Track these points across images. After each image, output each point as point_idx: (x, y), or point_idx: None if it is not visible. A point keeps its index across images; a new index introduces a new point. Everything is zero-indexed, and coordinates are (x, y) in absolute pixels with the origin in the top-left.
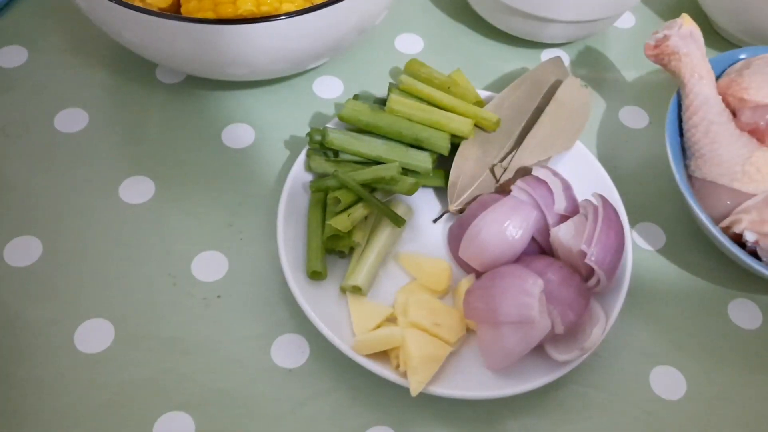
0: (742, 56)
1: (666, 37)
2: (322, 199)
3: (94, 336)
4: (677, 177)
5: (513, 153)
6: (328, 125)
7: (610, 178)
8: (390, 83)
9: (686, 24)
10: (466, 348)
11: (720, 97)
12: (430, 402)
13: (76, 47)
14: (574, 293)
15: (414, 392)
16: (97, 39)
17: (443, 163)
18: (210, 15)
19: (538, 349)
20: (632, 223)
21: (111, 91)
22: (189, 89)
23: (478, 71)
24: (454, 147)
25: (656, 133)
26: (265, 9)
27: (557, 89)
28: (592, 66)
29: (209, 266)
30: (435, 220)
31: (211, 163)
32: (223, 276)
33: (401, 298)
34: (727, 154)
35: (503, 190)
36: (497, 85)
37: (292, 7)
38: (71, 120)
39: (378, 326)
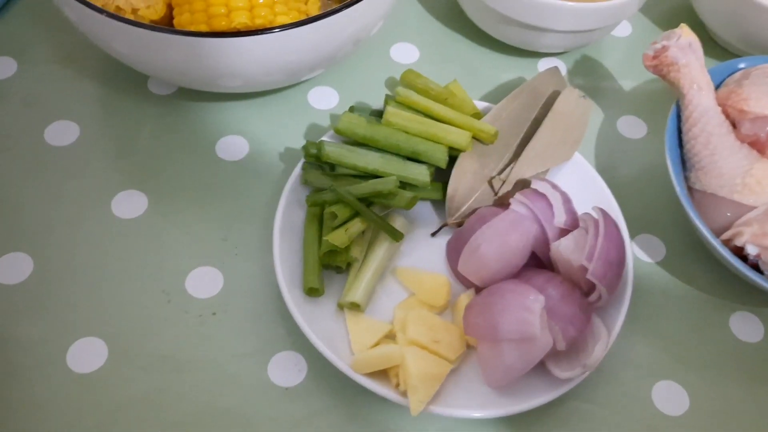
0: (741, 66)
1: (665, 48)
2: (319, 213)
3: (86, 355)
4: (677, 189)
5: (511, 165)
6: (323, 138)
7: (609, 188)
8: (386, 95)
9: (685, 34)
10: (467, 365)
11: (719, 108)
12: (430, 421)
13: (67, 58)
14: (576, 309)
15: (414, 412)
16: (88, 50)
17: (441, 175)
18: (203, 28)
19: (540, 366)
20: (632, 235)
21: (102, 103)
22: (181, 101)
23: (475, 81)
24: (452, 159)
25: (654, 142)
26: (259, 22)
27: (555, 100)
28: (589, 75)
29: (204, 282)
30: (434, 234)
31: (204, 175)
32: (218, 292)
33: (400, 314)
34: (727, 166)
35: (502, 202)
36: (494, 95)
37: (287, 20)
38: (62, 132)
39: (377, 343)
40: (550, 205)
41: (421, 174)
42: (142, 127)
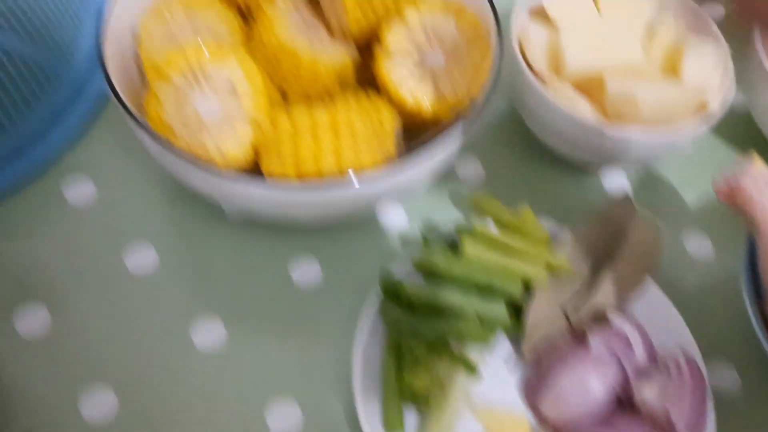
0: None
1: (738, 181)
2: (397, 345)
3: None
4: (754, 322)
5: (586, 296)
6: (396, 265)
7: (677, 308)
8: (458, 226)
9: (758, 167)
10: None
11: None
12: None
13: (145, 182)
14: None
15: None
16: (165, 175)
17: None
18: (291, 173)
19: None
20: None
21: (179, 227)
22: (256, 226)
23: (541, 199)
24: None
25: (722, 260)
26: (346, 165)
27: (627, 228)
28: (652, 189)
29: (283, 416)
30: (508, 364)
31: (281, 302)
32: (298, 427)
33: None
34: None
35: (577, 333)
36: (561, 215)
37: (370, 161)
38: (139, 257)
39: None
40: (630, 343)
41: (501, 314)
42: (218, 252)
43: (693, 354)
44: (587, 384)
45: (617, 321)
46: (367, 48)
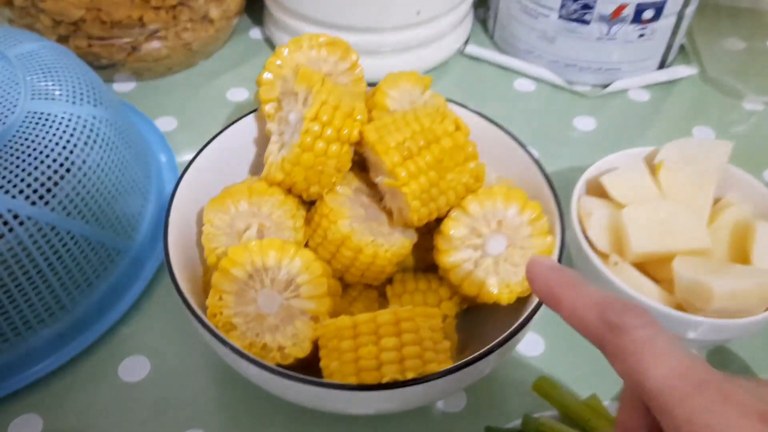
0: None
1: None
2: None
3: None
4: None
5: None
6: None
7: None
8: (525, 416)
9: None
10: None
11: None
12: None
13: (195, 363)
14: None
15: None
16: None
17: None
18: (352, 380)
19: None
20: None
21: (230, 412)
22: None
23: (606, 375)
24: None
25: None
26: (410, 375)
27: None
28: (724, 368)
29: None
30: None
31: None
32: None
33: None
34: None
35: None
36: None
37: (437, 367)
38: None
39: None
40: None
41: None
42: None
43: None
44: None
45: None
46: (426, 227)
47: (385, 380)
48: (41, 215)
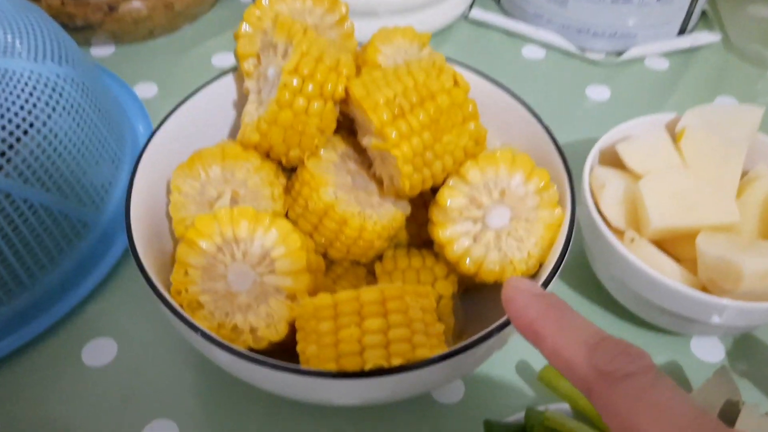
0: None
1: None
2: None
3: None
4: None
5: None
6: None
7: None
8: (528, 409)
9: None
10: None
11: None
12: None
13: (165, 349)
14: None
15: None
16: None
17: None
18: (331, 366)
19: None
20: None
21: (203, 400)
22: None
23: None
24: None
25: None
26: (396, 361)
27: (730, 413)
28: (751, 358)
29: None
30: None
31: None
32: None
33: None
34: None
35: None
36: None
37: (427, 352)
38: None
39: None
40: None
41: None
42: (247, 429)
43: None
44: None
45: None
46: (420, 198)
47: (367, 367)
48: None
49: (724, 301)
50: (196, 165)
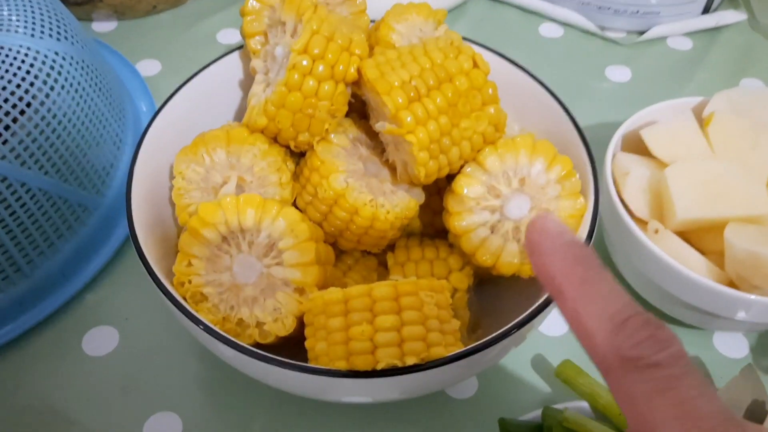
0: None
1: None
2: None
3: None
4: None
5: None
6: None
7: None
8: (545, 408)
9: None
10: None
11: None
12: None
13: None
14: None
15: None
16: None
17: None
18: (341, 365)
19: None
20: None
21: (207, 393)
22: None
23: None
24: None
25: None
26: (411, 360)
27: (758, 413)
28: None
29: None
30: None
31: None
32: None
33: None
34: None
35: None
36: None
37: (443, 351)
38: (163, 428)
39: None
40: None
41: None
42: (252, 424)
43: None
44: None
45: None
46: (434, 185)
47: (380, 366)
48: None
49: (753, 297)
50: (200, 149)
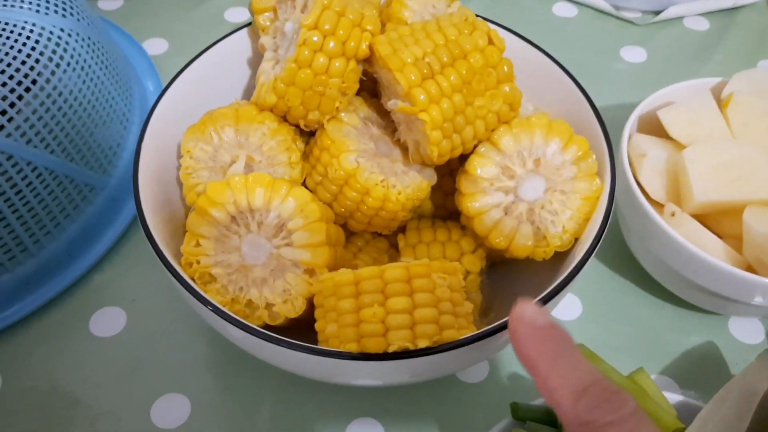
0: None
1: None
2: None
3: None
4: None
5: None
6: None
7: None
8: None
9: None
10: None
11: None
12: None
13: (175, 320)
14: None
15: None
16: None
17: None
18: (352, 347)
19: None
20: None
21: (215, 374)
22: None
23: (652, 345)
24: None
25: None
26: (423, 343)
27: None
28: None
29: None
30: None
31: None
32: None
33: None
34: None
35: None
36: (679, 370)
37: (456, 334)
38: (171, 410)
39: None
40: None
41: None
42: (261, 406)
43: None
44: None
45: None
46: (447, 165)
47: (392, 349)
48: None
49: None
50: (208, 127)
